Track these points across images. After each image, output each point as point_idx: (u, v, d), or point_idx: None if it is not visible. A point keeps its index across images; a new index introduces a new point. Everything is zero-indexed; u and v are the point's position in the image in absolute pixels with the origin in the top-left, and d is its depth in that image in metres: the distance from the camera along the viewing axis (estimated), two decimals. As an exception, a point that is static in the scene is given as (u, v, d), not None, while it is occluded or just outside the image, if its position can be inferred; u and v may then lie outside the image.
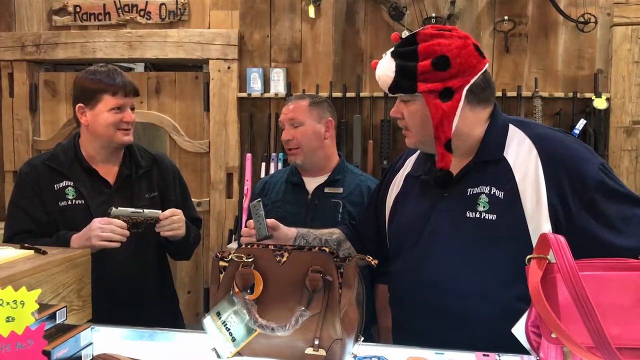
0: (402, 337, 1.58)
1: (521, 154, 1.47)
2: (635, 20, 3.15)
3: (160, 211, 1.94)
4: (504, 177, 1.46)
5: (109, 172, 2.05)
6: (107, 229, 1.80)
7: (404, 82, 1.47)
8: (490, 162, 1.49)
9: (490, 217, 1.44)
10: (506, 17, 3.25)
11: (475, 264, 1.45)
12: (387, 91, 1.52)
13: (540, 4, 3.26)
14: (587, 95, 3.19)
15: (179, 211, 1.98)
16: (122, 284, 1.96)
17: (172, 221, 1.94)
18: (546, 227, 1.39)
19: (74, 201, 1.96)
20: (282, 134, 2.27)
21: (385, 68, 1.50)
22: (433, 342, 1.40)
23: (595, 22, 3.16)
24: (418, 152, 1.68)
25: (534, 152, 1.45)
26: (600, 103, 3.12)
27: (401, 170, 1.71)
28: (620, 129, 3.17)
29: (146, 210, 1.91)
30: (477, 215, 1.45)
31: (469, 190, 1.49)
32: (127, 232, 1.84)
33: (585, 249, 1.18)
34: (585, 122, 3.13)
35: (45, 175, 1.98)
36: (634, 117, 3.16)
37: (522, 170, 1.45)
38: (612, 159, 3.16)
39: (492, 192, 1.46)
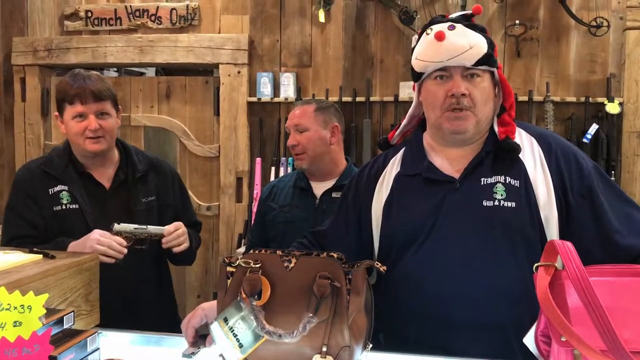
0: (402, 345, 1.51)
1: (526, 146, 1.51)
2: (648, 24, 3.12)
3: (164, 227, 1.91)
4: (516, 166, 1.48)
5: (104, 175, 2.02)
6: (104, 242, 1.78)
7: (492, 56, 1.48)
8: (500, 151, 1.50)
9: (510, 204, 1.44)
10: (517, 22, 3.23)
11: (492, 253, 1.43)
12: (467, 64, 1.45)
13: (551, 8, 3.23)
14: (600, 99, 3.15)
15: (181, 224, 1.96)
16: (117, 288, 1.87)
17: (177, 235, 1.93)
18: (554, 216, 1.44)
19: (68, 205, 1.94)
20: (288, 139, 2.27)
21: (473, 39, 1.46)
22: (436, 351, 1.39)
23: (608, 26, 3.13)
24: (401, 152, 1.64)
25: (536, 145, 1.51)
26: (612, 108, 3.09)
27: (385, 173, 1.63)
28: (633, 134, 3.14)
29: (150, 227, 1.88)
30: (496, 204, 1.45)
31: (482, 180, 1.48)
32: (124, 250, 1.81)
33: (584, 240, 1.30)
34: (597, 127, 3.09)
35: (40, 179, 1.96)
36: (647, 121, 3.13)
37: (530, 161, 1.49)
38: (625, 164, 3.13)
39: (507, 182, 1.46)
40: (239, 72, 3.55)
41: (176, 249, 1.93)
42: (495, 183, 1.47)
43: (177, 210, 2.14)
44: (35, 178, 1.96)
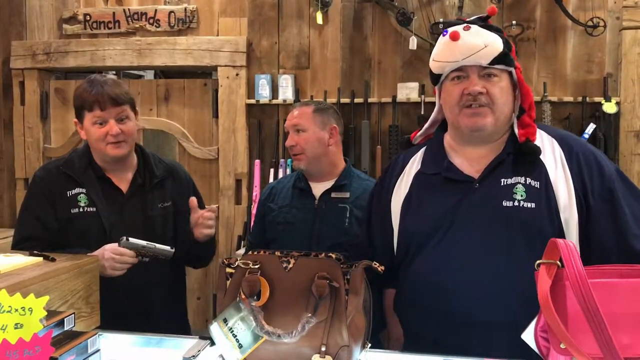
0: (421, 346, 1.51)
1: (546, 148, 1.52)
2: (644, 23, 3.13)
3: (171, 248, 1.87)
4: (536, 168, 1.49)
5: (123, 180, 2.01)
6: (118, 260, 1.76)
7: (509, 55, 1.49)
8: (520, 153, 1.50)
9: (530, 205, 1.45)
10: (514, 22, 3.24)
11: (511, 253, 1.43)
12: (482, 62, 1.47)
13: (548, 8, 3.25)
14: (597, 99, 3.17)
15: (214, 207, 2.00)
16: (129, 293, 1.88)
17: (208, 217, 1.94)
18: (574, 218, 1.44)
19: (85, 209, 1.92)
20: (287, 140, 2.28)
21: (488, 38, 1.48)
22: (453, 350, 1.38)
23: (604, 26, 3.14)
24: (422, 151, 1.67)
25: (557, 147, 1.52)
26: (609, 107, 3.10)
27: (405, 172, 1.66)
28: (630, 133, 3.15)
29: (158, 246, 1.84)
30: (516, 204, 1.45)
31: (502, 180, 1.49)
32: (135, 261, 1.80)
33: (602, 243, 1.33)
34: (594, 126, 3.10)
35: (58, 181, 1.95)
36: (644, 121, 3.14)
37: (550, 163, 1.49)
38: (623, 163, 3.14)
39: (527, 182, 1.47)
40: (237, 75, 3.55)
41: (206, 231, 1.95)
42: (516, 184, 1.48)
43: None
44: (53, 179, 1.95)
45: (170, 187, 2.08)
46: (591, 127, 3.10)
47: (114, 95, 1.89)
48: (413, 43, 3.28)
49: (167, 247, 1.86)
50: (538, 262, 1.11)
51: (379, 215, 1.69)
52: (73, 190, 1.94)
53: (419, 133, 1.75)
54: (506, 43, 1.50)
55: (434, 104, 3.06)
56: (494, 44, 1.47)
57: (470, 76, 1.49)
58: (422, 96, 3.33)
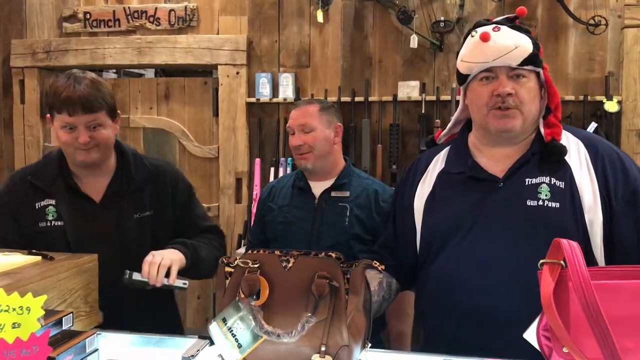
0: (441, 345, 1.50)
1: (572, 149, 1.51)
2: (646, 22, 3.12)
3: (184, 284, 1.69)
4: (561, 168, 1.49)
5: (96, 188, 1.83)
6: None
7: (538, 56, 1.49)
8: (546, 153, 1.50)
9: (554, 205, 1.44)
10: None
11: (534, 252, 1.42)
12: (512, 63, 1.47)
13: (550, 6, 3.23)
14: (598, 98, 3.16)
15: (150, 255, 1.67)
16: (114, 291, 1.68)
17: (151, 269, 1.64)
18: (599, 220, 1.44)
19: (53, 222, 1.78)
20: (291, 140, 2.24)
21: (518, 39, 1.48)
22: (476, 352, 1.36)
23: (606, 25, 3.13)
24: (447, 149, 1.67)
25: (582, 148, 1.51)
26: (611, 106, 3.09)
27: (429, 171, 1.66)
28: (632, 132, 3.14)
29: (166, 282, 1.66)
30: (540, 204, 1.45)
31: (527, 180, 1.49)
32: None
33: (624, 245, 1.36)
34: (596, 125, 3.09)
35: (25, 193, 1.81)
36: (645, 120, 3.13)
37: (576, 163, 1.49)
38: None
39: (552, 182, 1.47)
40: (237, 73, 3.55)
41: (164, 281, 1.66)
42: (540, 183, 1.47)
43: (178, 226, 1.93)
44: (19, 191, 1.82)
45: (150, 193, 1.88)
46: (593, 126, 3.09)
47: (85, 102, 1.70)
48: (414, 41, 3.27)
49: (180, 283, 1.68)
50: (541, 261, 1.10)
51: (402, 215, 1.69)
52: (42, 202, 1.80)
53: (443, 132, 1.75)
54: (535, 44, 1.50)
55: (434, 102, 3.06)
56: (524, 45, 1.47)
57: (500, 77, 1.48)
58: (423, 95, 3.32)
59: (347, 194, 2.19)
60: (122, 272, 1.66)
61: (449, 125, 1.73)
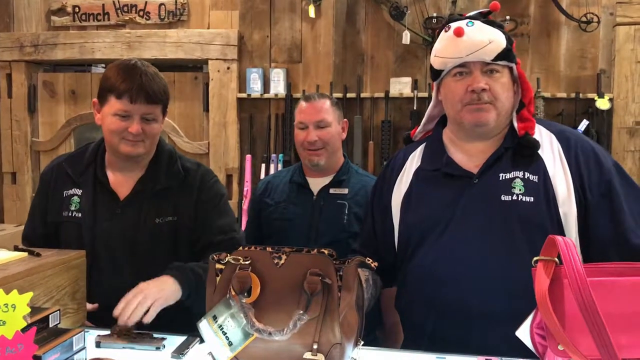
0: (420, 341, 1.52)
1: (545, 143, 1.52)
2: (638, 19, 3.12)
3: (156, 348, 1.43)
4: (535, 162, 1.49)
5: (125, 184, 1.76)
6: None
7: (511, 51, 1.49)
8: (519, 147, 1.50)
9: (528, 199, 1.45)
10: (508, 17, 3.22)
11: (509, 246, 1.43)
12: (487, 59, 1.46)
13: (542, 3, 3.24)
14: (590, 95, 3.16)
15: (131, 292, 1.51)
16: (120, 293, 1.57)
17: (125, 309, 1.47)
18: (573, 213, 1.44)
19: (74, 213, 1.73)
20: (303, 135, 2.15)
21: (492, 34, 1.47)
22: (455, 347, 1.38)
23: (598, 22, 3.13)
24: (422, 147, 1.67)
25: (555, 142, 1.52)
26: (602, 103, 3.10)
27: (405, 169, 1.66)
28: (623, 130, 3.14)
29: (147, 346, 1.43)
30: (514, 198, 1.45)
31: (501, 175, 1.49)
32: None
33: (600, 237, 1.37)
34: (587, 122, 3.10)
35: (59, 178, 1.78)
36: (637, 117, 3.14)
37: (549, 157, 1.50)
38: (615, 159, 3.13)
39: (526, 177, 1.47)
40: (228, 68, 3.52)
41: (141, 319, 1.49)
42: (514, 178, 1.48)
43: (194, 236, 1.79)
44: (54, 176, 1.80)
45: (175, 198, 1.77)
46: (584, 124, 3.09)
47: (150, 92, 1.65)
48: (406, 38, 3.26)
49: (153, 346, 1.42)
50: (535, 258, 1.09)
51: (380, 213, 1.68)
52: (69, 191, 1.76)
53: (418, 130, 1.74)
54: (508, 39, 1.50)
55: (426, 99, 3.04)
56: (498, 40, 1.47)
57: (474, 72, 1.48)
58: (415, 91, 3.31)
59: (346, 191, 2.17)
60: (130, 275, 1.60)
61: (423, 121, 1.72)
